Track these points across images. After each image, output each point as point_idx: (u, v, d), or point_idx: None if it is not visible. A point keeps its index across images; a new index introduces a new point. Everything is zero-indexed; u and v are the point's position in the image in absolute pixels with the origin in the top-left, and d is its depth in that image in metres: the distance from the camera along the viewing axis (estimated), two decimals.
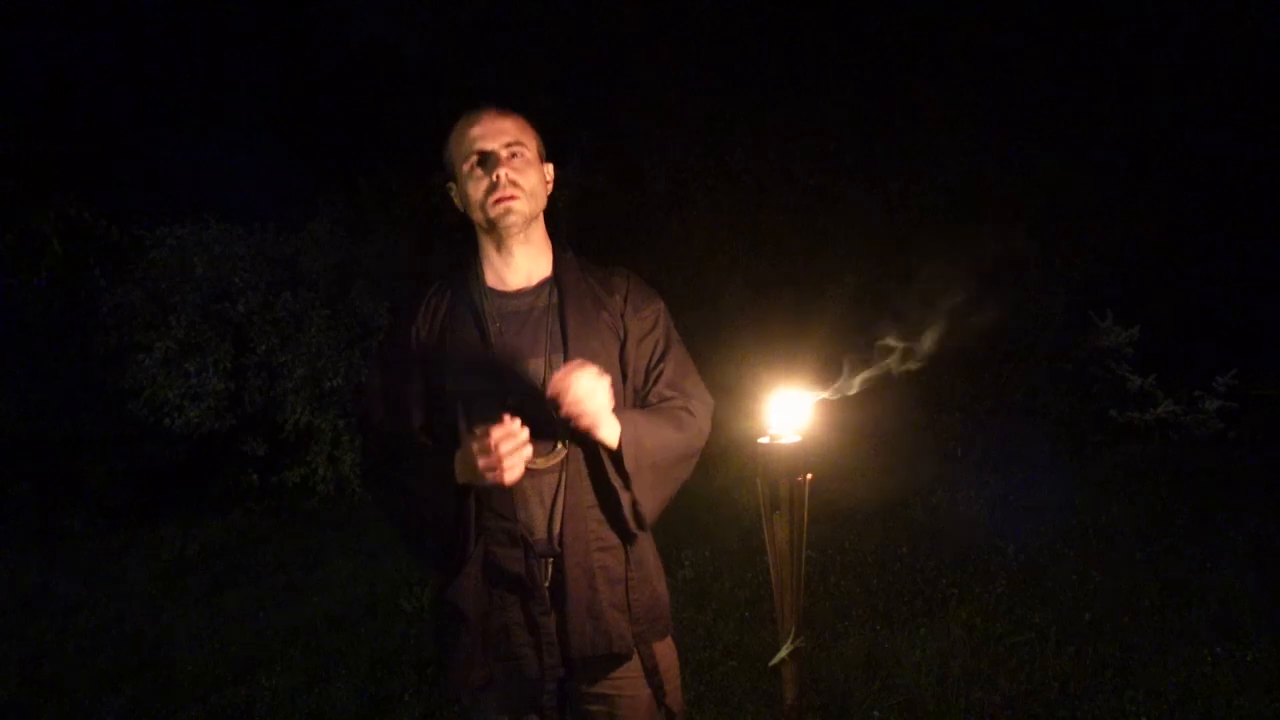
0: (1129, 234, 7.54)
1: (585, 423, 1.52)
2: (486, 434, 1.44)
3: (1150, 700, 3.09)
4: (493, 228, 1.65)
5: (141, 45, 10.69)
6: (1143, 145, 7.88)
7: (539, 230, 1.72)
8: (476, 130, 1.64)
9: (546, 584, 1.61)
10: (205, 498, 7.19)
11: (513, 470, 1.46)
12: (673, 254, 7.41)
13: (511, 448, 1.45)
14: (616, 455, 1.60)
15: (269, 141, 9.69)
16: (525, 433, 1.47)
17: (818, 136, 8.24)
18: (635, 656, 1.67)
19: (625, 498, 1.61)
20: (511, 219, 1.64)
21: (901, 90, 8.41)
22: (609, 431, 1.56)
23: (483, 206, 1.64)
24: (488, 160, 1.63)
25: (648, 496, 1.63)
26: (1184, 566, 4.27)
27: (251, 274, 7.05)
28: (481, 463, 1.46)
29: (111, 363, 6.95)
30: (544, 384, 1.61)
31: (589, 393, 1.49)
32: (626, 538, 1.66)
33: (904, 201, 7.87)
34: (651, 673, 1.67)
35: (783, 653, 1.50)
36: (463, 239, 1.76)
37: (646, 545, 1.73)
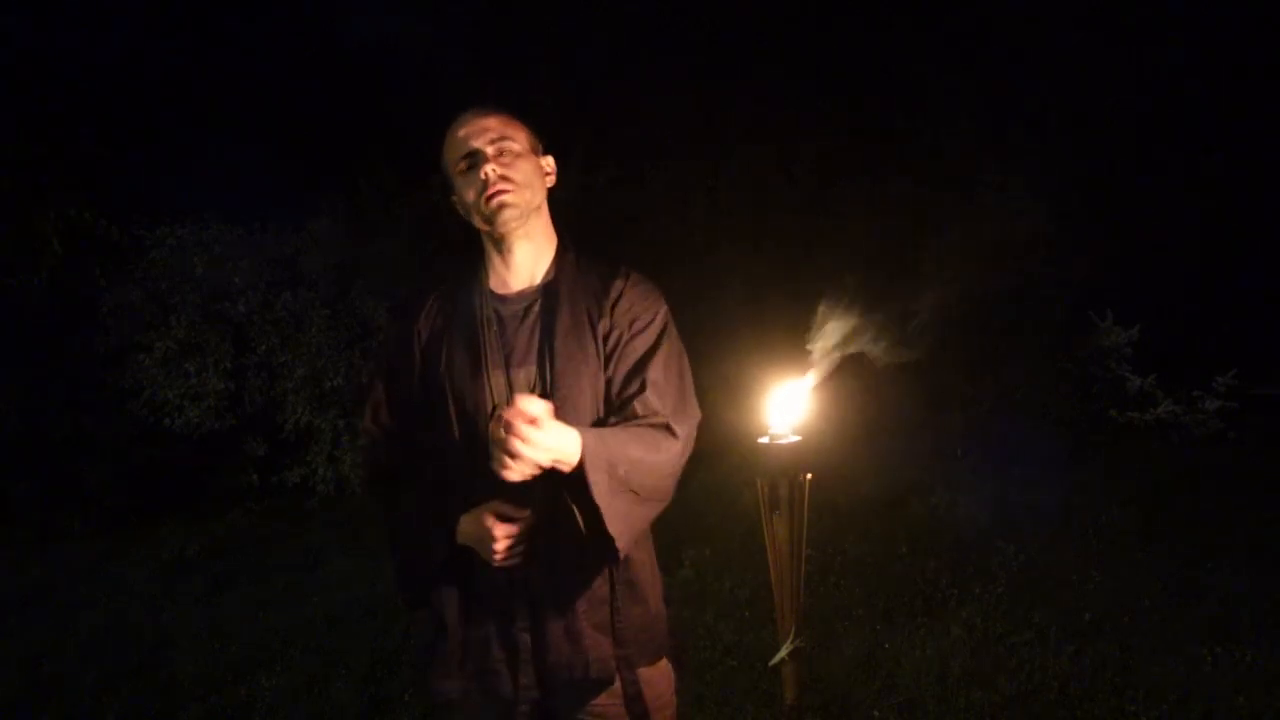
0: (1129, 234, 7.54)
1: (537, 454, 1.38)
2: (508, 539, 1.51)
3: (1150, 700, 3.09)
4: (492, 226, 1.60)
5: (141, 45, 10.70)
6: (1144, 144, 7.89)
7: (540, 226, 1.66)
8: (462, 133, 1.60)
9: (526, 600, 1.57)
10: (205, 498, 7.19)
11: (517, 560, 1.54)
12: (673, 254, 7.40)
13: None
14: (579, 480, 1.46)
15: (269, 141, 9.69)
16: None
17: (818, 136, 8.24)
18: (619, 682, 1.58)
19: (584, 522, 1.49)
20: (507, 213, 1.58)
21: (901, 89, 8.42)
22: (567, 447, 1.43)
23: (478, 207, 1.59)
24: (475, 159, 1.59)
25: (619, 522, 1.48)
26: (1184, 566, 4.27)
27: (251, 274, 7.05)
28: (498, 559, 1.52)
29: (111, 363, 6.94)
30: (533, 390, 1.57)
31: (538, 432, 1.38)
32: (612, 561, 1.56)
33: (904, 201, 7.87)
34: (633, 700, 1.58)
35: (783, 653, 1.50)
36: (465, 240, 1.73)
37: (640, 562, 1.64)
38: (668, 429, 1.56)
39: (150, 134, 9.84)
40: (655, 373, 1.59)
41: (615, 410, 1.59)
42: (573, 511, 1.50)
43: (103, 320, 7.04)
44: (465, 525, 1.55)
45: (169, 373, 6.73)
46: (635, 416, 1.57)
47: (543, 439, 1.37)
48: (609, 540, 1.49)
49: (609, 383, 1.60)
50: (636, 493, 1.51)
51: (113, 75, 9.89)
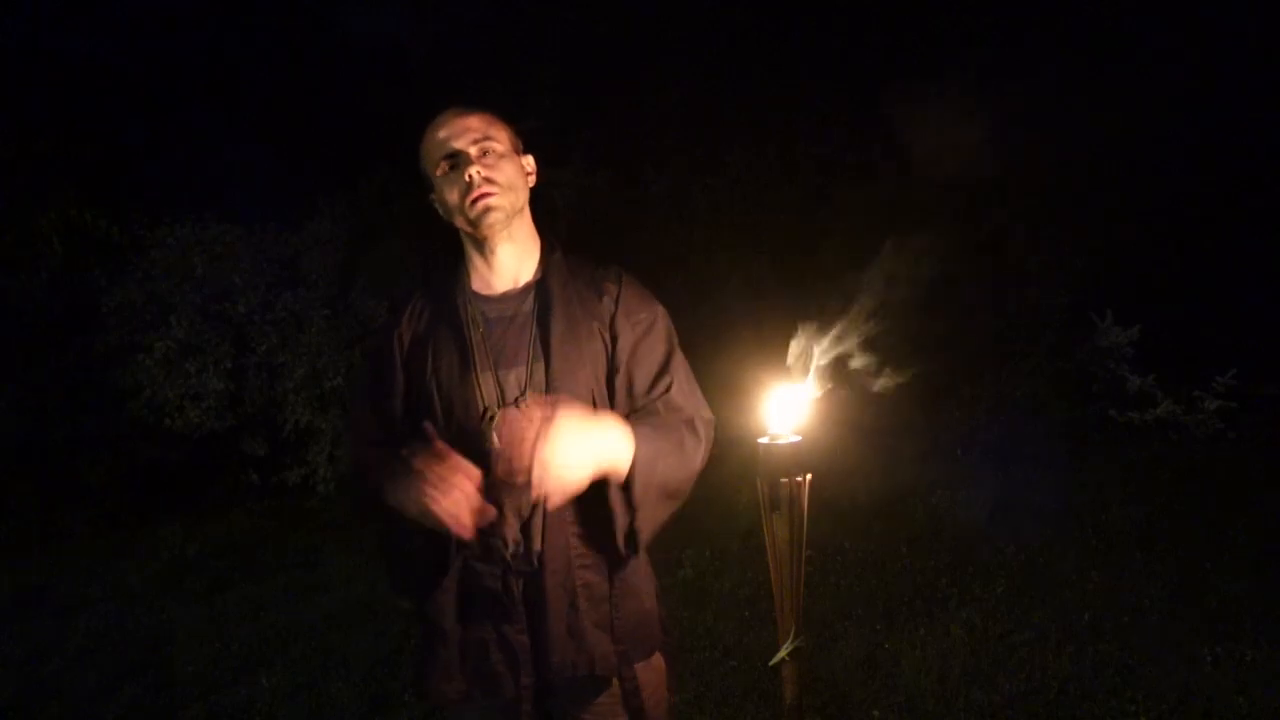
0: (1129, 234, 7.54)
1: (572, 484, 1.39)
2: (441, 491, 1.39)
3: (1150, 700, 3.09)
4: (475, 229, 1.59)
5: (142, 45, 10.70)
6: (1144, 144, 7.88)
7: (524, 227, 1.65)
8: (443, 133, 1.59)
9: (522, 602, 1.56)
10: (205, 498, 7.19)
11: (460, 527, 1.40)
12: (672, 254, 7.40)
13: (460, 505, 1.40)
14: (623, 477, 1.49)
15: (269, 141, 9.70)
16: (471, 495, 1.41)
17: (818, 137, 8.24)
18: (616, 678, 1.59)
19: (622, 522, 1.51)
20: (492, 217, 1.57)
21: (901, 88, 8.41)
22: (617, 458, 1.46)
23: (461, 209, 1.57)
24: (458, 160, 1.57)
25: (649, 522, 1.53)
26: (1184, 566, 4.27)
27: (251, 274, 7.05)
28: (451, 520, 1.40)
29: (111, 363, 6.95)
30: (524, 392, 1.56)
31: (565, 464, 1.37)
32: (613, 559, 1.58)
33: (903, 200, 7.87)
34: (631, 695, 1.60)
35: (783, 653, 1.50)
36: (459, 243, 1.72)
37: (637, 559, 1.64)
38: (691, 425, 1.59)
39: (151, 134, 9.85)
40: (675, 374, 1.62)
41: (637, 413, 1.61)
42: (581, 500, 1.49)
43: (103, 320, 7.05)
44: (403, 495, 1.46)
45: (169, 373, 6.72)
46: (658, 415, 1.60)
47: (582, 453, 1.39)
48: (632, 536, 1.52)
49: (614, 389, 1.61)
50: (667, 494, 1.54)
51: (113, 75, 9.90)
